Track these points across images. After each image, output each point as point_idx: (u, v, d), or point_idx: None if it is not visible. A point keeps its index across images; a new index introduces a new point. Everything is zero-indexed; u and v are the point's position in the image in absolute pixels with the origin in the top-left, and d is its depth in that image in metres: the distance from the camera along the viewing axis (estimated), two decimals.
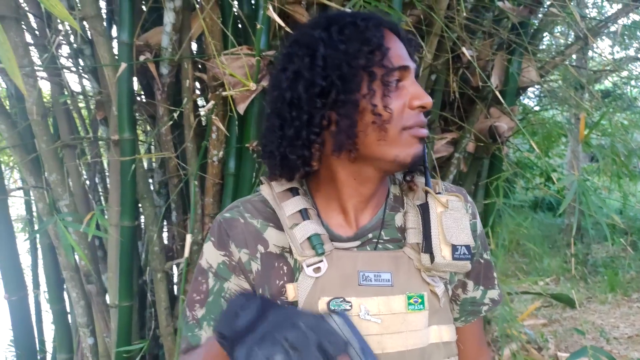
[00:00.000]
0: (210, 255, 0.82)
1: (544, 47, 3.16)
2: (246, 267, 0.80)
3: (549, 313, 4.42)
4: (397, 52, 0.75)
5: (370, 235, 0.80)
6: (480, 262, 0.90)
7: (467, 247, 0.76)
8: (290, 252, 0.77)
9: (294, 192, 0.81)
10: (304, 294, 0.73)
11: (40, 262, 1.90)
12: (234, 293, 0.81)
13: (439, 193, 0.81)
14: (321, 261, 0.74)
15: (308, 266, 0.74)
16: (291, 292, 0.75)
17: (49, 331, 2.11)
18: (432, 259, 0.75)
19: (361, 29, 0.74)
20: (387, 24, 0.78)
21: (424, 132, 0.75)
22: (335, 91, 0.73)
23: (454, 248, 0.75)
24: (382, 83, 0.72)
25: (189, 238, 1.06)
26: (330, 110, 0.73)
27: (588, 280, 5.31)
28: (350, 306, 0.73)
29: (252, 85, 1.29)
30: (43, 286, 1.99)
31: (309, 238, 0.75)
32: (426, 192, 0.80)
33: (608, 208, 1.54)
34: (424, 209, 0.78)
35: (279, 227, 0.79)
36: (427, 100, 0.74)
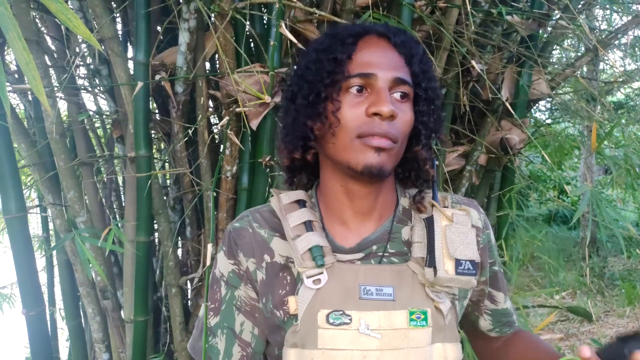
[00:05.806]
0: (222, 265, 0.84)
1: (554, 59, 3.17)
2: (253, 276, 0.81)
3: (565, 327, 4.35)
4: (366, 59, 0.73)
5: (374, 248, 0.79)
6: (502, 271, 0.90)
7: (472, 262, 0.74)
8: (294, 262, 0.78)
9: (301, 204, 0.81)
10: (303, 305, 0.73)
11: (57, 279, 1.92)
12: (244, 301, 0.82)
13: (446, 207, 0.80)
14: (321, 273, 0.74)
15: (308, 277, 0.74)
16: (292, 304, 0.74)
17: (64, 348, 2.12)
18: (435, 273, 0.73)
19: (336, 39, 0.76)
20: (375, 31, 0.77)
21: (379, 142, 0.71)
22: (300, 97, 0.77)
23: (458, 262, 0.73)
24: (339, 90, 0.73)
25: (209, 247, 1.07)
26: (297, 114, 0.78)
27: (605, 294, 5.22)
28: (350, 320, 0.72)
29: (267, 98, 1.31)
30: (59, 304, 2.01)
31: (310, 249, 0.75)
32: (432, 205, 0.79)
33: (623, 220, 1.53)
34: (429, 223, 0.77)
35: (284, 237, 0.80)
36: (382, 108, 0.69)
